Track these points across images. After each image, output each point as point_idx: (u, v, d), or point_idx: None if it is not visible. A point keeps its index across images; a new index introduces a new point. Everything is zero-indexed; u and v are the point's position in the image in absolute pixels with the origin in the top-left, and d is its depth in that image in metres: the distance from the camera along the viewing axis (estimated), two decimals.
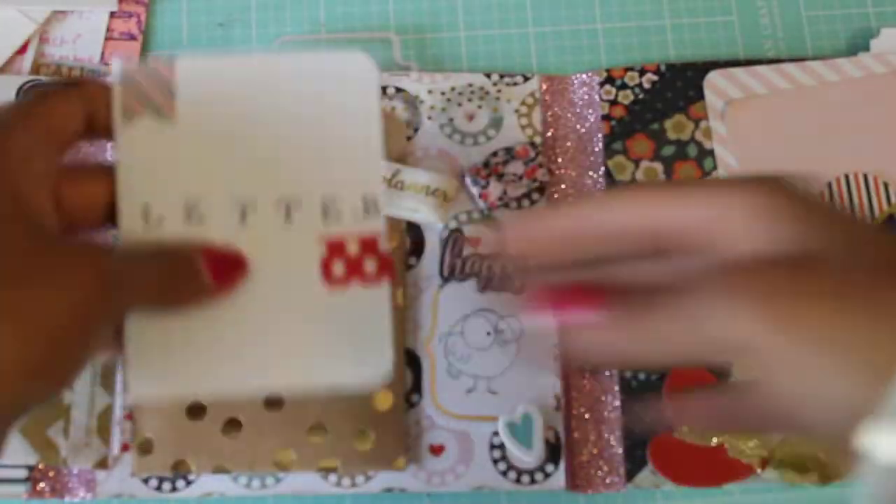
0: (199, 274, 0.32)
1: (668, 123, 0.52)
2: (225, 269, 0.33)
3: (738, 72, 0.53)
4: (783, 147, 0.51)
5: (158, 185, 0.32)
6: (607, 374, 0.49)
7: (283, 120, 0.33)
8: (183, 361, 0.33)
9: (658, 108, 0.52)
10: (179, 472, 0.47)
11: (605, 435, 0.48)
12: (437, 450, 0.48)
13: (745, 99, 0.52)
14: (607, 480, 0.48)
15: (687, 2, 0.56)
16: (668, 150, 0.52)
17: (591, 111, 0.53)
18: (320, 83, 0.34)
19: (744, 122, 0.52)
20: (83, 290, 0.30)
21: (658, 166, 0.52)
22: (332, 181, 0.33)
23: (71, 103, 0.31)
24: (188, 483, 0.48)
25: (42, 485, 0.48)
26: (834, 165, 0.51)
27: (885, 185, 0.50)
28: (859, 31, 0.55)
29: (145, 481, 0.48)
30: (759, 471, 0.46)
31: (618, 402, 0.48)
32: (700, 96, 0.52)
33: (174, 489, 0.48)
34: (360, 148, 0.33)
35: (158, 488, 0.48)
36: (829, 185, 0.50)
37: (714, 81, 0.52)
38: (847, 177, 0.50)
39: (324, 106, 0.34)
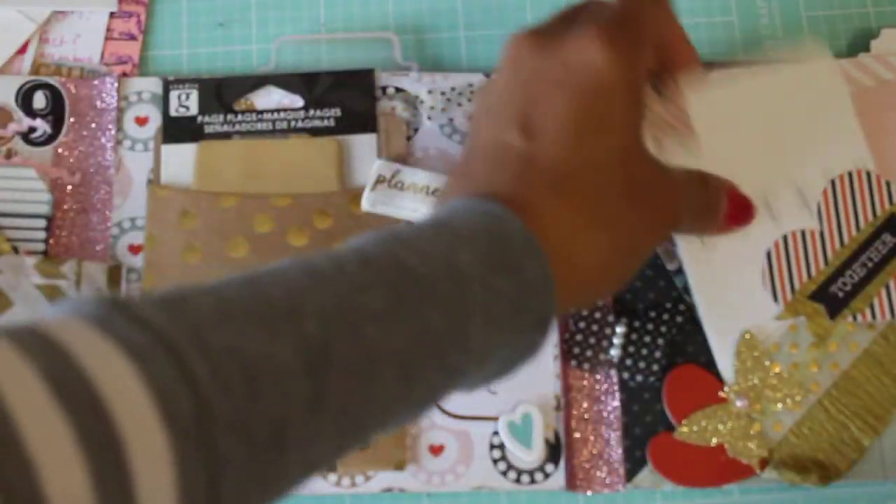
0: (721, 207, 0.41)
1: None
2: (740, 208, 0.42)
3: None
4: None
5: None
6: (607, 373, 0.49)
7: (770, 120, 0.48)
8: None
9: None
10: None
11: (605, 435, 0.48)
12: (436, 450, 0.48)
13: None
14: (607, 480, 0.48)
15: (687, 2, 0.55)
16: None
17: None
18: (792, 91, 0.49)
19: None
20: (670, 212, 0.37)
21: None
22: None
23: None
24: None
25: None
26: (835, 164, 0.50)
27: (888, 184, 0.50)
28: (859, 32, 0.55)
29: None
30: (759, 471, 0.46)
31: (618, 402, 0.48)
32: None
33: None
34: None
35: None
36: (833, 182, 0.50)
37: None
38: (850, 174, 0.50)
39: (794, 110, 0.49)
